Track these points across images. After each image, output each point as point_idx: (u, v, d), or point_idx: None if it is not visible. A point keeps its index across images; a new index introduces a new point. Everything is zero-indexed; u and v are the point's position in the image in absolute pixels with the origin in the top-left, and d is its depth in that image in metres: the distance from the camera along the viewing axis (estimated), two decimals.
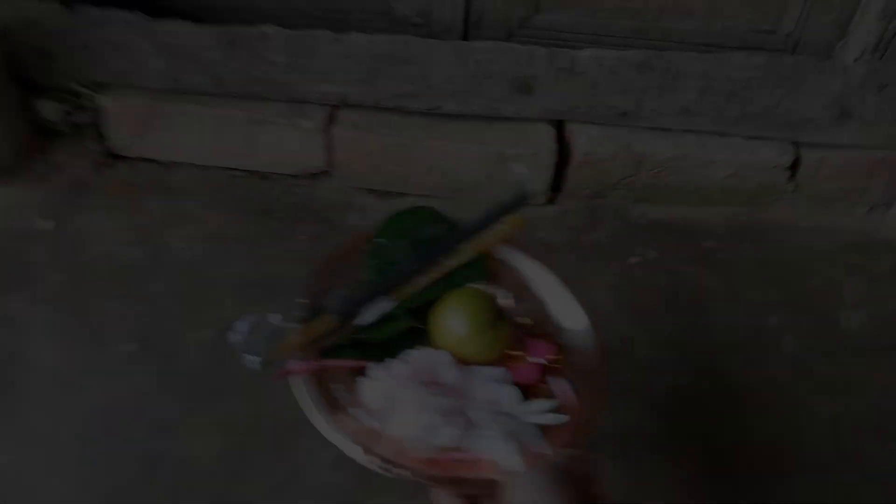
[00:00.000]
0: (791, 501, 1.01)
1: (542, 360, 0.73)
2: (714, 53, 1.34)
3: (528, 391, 0.71)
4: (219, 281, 1.21)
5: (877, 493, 1.02)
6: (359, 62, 1.34)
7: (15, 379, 1.06)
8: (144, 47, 1.33)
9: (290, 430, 1.02)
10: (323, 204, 1.40)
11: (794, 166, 1.41)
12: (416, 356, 0.71)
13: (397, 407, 0.67)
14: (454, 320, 0.72)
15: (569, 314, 0.79)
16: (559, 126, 1.43)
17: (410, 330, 0.75)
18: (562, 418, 0.68)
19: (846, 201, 1.46)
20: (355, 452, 0.65)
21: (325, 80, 1.36)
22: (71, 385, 1.05)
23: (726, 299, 1.27)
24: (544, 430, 0.67)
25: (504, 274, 0.82)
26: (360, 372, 0.71)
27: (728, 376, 1.15)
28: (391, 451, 0.65)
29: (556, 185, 1.44)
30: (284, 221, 1.34)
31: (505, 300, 0.79)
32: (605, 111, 1.37)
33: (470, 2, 1.39)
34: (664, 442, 1.06)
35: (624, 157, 1.38)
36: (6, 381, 1.05)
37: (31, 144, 1.39)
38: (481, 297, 0.74)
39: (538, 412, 0.68)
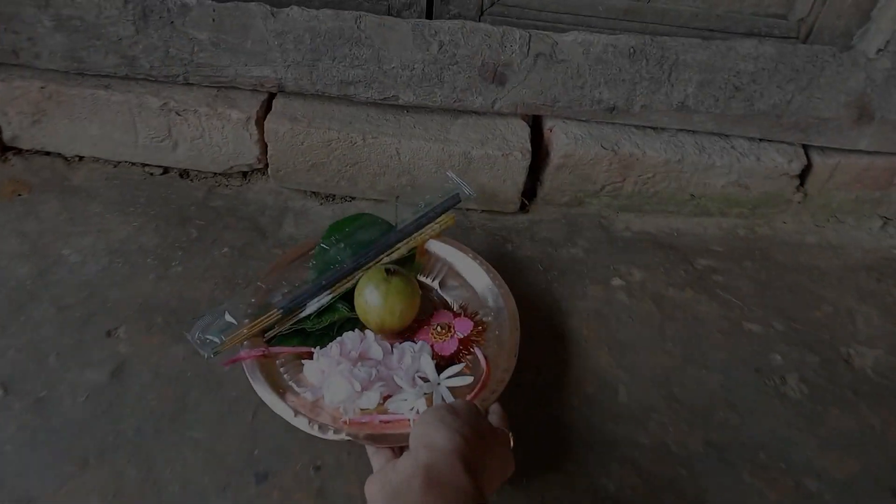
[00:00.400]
0: None
1: (461, 335, 0.92)
2: (717, 41, 1.13)
3: (453, 360, 0.91)
4: (119, 305, 1.00)
5: None
6: (299, 42, 1.11)
7: None
8: (40, 21, 1.10)
9: (187, 502, 0.81)
10: (254, 208, 1.18)
11: (803, 173, 1.21)
12: (346, 338, 0.90)
13: (329, 381, 0.84)
14: (367, 293, 0.91)
15: (490, 296, 1.00)
16: (535, 122, 1.22)
17: (351, 320, 0.95)
18: (467, 379, 0.86)
19: (858, 214, 1.27)
20: (300, 422, 0.81)
21: (259, 63, 1.13)
22: None
23: (723, 331, 1.08)
24: (456, 389, 0.86)
25: (434, 265, 1.05)
26: (309, 356, 0.90)
27: (725, 428, 0.96)
28: (328, 418, 0.82)
29: (531, 191, 1.23)
30: (206, 230, 1.12)
31: (432, 284, 1.03)
32: (589, 106, 1.16)
33: None
34: None
35: (610, 160, 1.17)
36: None
37: None
38: (383, 272, 0.93)
39: (449, 376, 0.86)
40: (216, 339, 0.89)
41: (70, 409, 0.88)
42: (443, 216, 1.04)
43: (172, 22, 1.10)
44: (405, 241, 1.02)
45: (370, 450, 0.77)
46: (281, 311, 0.93)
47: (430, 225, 1.03)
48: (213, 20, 1.10)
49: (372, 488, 0.64)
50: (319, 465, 0.86)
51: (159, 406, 0.90)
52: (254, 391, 0.90)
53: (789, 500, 0.89)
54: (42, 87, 1.14)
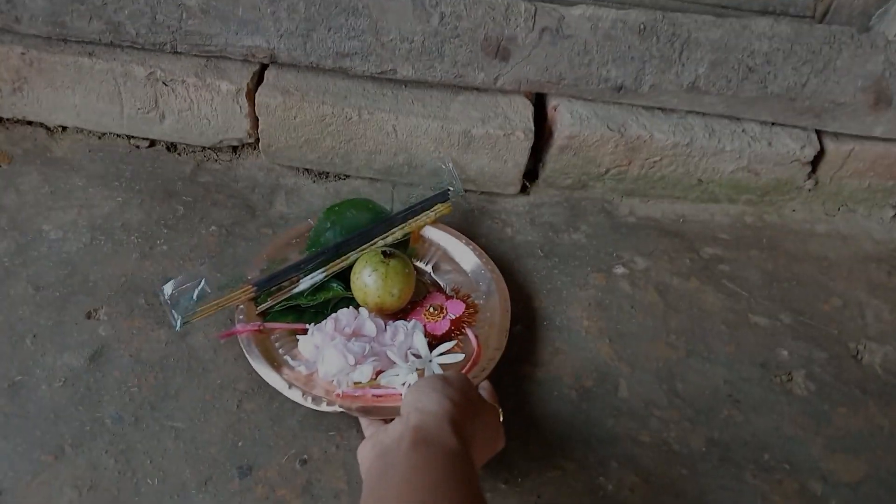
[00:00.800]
0: None
1: (452, 316, 0.94)
2: (731, 18, 1.07)
3: (445, 340, 0.91)
4: (98, 285, 0.94)
5: None
6: (293, 10, 1.05)
7: None
8: None
9: (160, 495, 0.77)
10: (244, 185, 1.12)
11: (815, 160, 1.15)
12: (341, 314, 0.90)
13: (324, 355, 0.84)
14: (364, 274, 0.92)
15: (482, 280, 0.99)
16: (539, 100, 1.16)
17: (345, 298, 0.95)
18: (457, 357, 0.86)
19: (870, 203, 1.21)
20: (294, 394, 0.82)
21: (251, 32, 1.06)
22: None
23: (729, 324, 1.03)
24: (447, 366, 0.85)
25: (428, 249, 1.04)
26: (304, 332, 0.89)
27: (729, 426, 0.91)
28: (322, 391, 0.83)
29: (533, 172, 1.17)
30: (193, 207, 1.07)
31: (426, 268, 1.03)
32: (596, 84, 1.10)
33: None
34: None
35: (616, 142, 1.11)
36: None
37: None
38: (380, 254, 0.93)
39: (440, 353, 0.87)
40: (185, 308, 0.88)
41: (46, 394, 0.83)
42: (438, 205, 1.05)
43: None
44: (399, 227, 1.02)
45: (364, 422, 0.78)
46: (255, 287, 0.92)
47: (425, 212, 1.04)
48: None
49: (363, 450, 0.66)
50: (306, 458, 0.82)
51: (140, 393, 0.85)
52: (241, 379, 0.87)
53: (797, 492, 0.86)
54: (22, 54, 1.07)
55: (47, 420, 0.81)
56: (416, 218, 1.03)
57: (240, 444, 0.82)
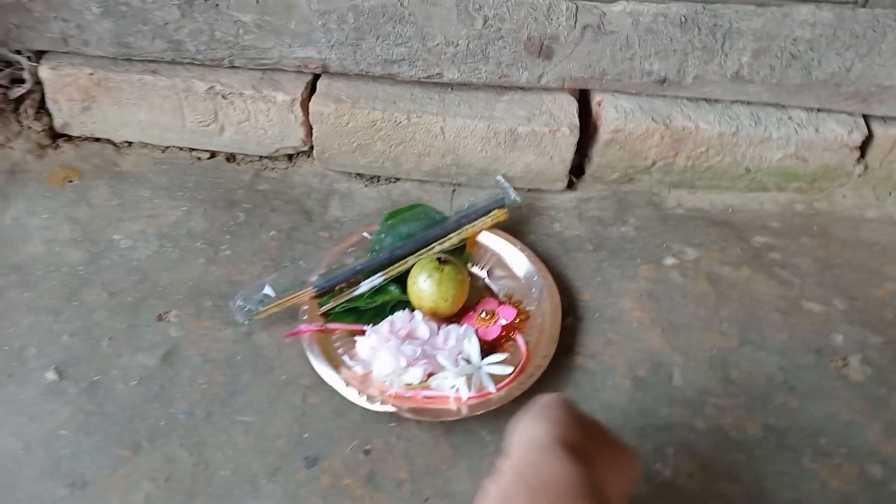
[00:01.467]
0: None
1: (504, 322, 0.95)
2: (772, 7, 1.06)
3: (496, 345, 0.94)
4: (168, 290, 0.98)
5: None
6: (343, 21, 1.07)
7: None
8: (88, 7, 1.07)
9: (232, 486, 0.79)
10: (300, 191, 1.15)
11: (864, 145, 1.13)
12: (396, 317, 0.92)
13: (378, 356, 0.87)
14: (420, 280, 0.94)
15: (535, 287, 0.99)
16: (583, 96, 1.16)
17: (402, 301, 0.97)
18: (507, 369, 0.87)
19: None
20: (350, 393, 0.85)
21: (303, 44, 1.09)
22: None
23: (782, 311, 1.01)
24: (495, 376, 0.87)
25: (483, 253, 1.05)
26: (362, 333, 0.92)
27: (785, 413, 0.90)
28: (376, 391, 0.86)
29: (579, 168, 1.17)
30: (253, 213, 1.10)
31: (480, 273, 1.04)
32: (640, 78, 1.10)
33: None
34: (705, 501, 0.82)
35: (661, 134, 1.10)
36: None
37: None
38: (436, 260, 0.95)
39: (491, 363, 0.88)
40: (252, 309, 0.93)
41: (122, 393, 0.87)
42: (495, 210, 1.07)
43: (217, 5, 1.06)
44: (456, 233, 1.03)
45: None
46: (315, 289, 0.95)
47: (482, 218, 1.06)
48: (257, 1, 1.06)
49: None
50: (369, 448, 0.83)
51: (210, 390, 0.88)
52: (304, 375, 0.89)
53: (853, 488, 0.84)
54: (91, 74, 1.12)
55: (124, 417, 0.84)
56: (472, 224, 1.05)
57: (305, 435, 0.84)
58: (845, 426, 0.89)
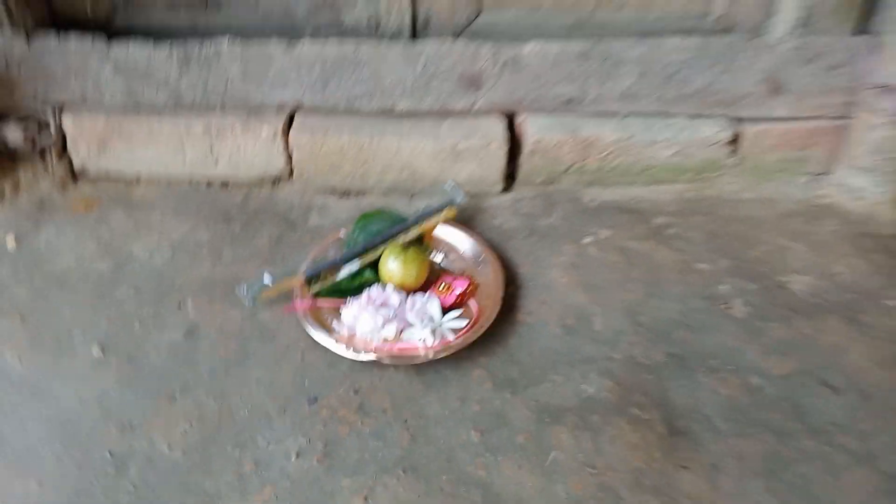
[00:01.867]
0: (748, 456, 0.99)
1: (459, 290, 1.17)
2: (650, 39, 1.34)
3: (452, 307, 1.15)
4: (184, 284, 1.19)
5: (828, 444, 1.01)
6: (312, 68, 1.32)
7: None
8: (103, 69, 1.31)
9: (251, 422, 0.99)
10: (284, 207, 1.38)
11: (734, 141, 1.40)
12: (373, 290, 1.16)
13: (360, 319, 1.11)
14: (389, 262, 1.18)
15: (481, 264, 1.24)
16: (510, 117, 1.42)
17: (375, 282, 1.19)
18: (463, 321, 1.12)
19: (787, 171, 1.45)
20: (340, 349, 1.07)
21: (281, 88, 1.34)
22: (37, 392, 1.02)
23: (678, 271, 1.26)
24: (454, 329, 1.11)
25: (439, 243, 1.29)
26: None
27: (683, 343, 1.13)
28: (361, 345, 1.08)
29: (511, 175, 1.42)
30: (247, 226, 1.32)
31: (438, 258, 1.27)
32: (551, 100, 1.37)
33: (416, 6, 1.39)
34: (622, 409, 1.04)
35: (572, 143, 1.37)
36: None
37: None
38: (401, 246, 1.20)
39: (450, 318, 1.13)
40: (255, 289, 1.16)
41: (156, 360, 1.07)
42: (446, 209, 1.30)
43: (209, 63, 1.31)
44: (416, 227, 1.27)
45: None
46: (306, 275, 1.18)
47: (436, 215, 1.30)
48: (241, 58, 1.31)
49: None
50: (358, 388, 1.04)
51: (226, 354, 1.08)
52: (301, 340, 1.10)
53: (737, 394, 1.06)
54: (105, 122, 1.34)
55: (160, 378, 1.04)
56: (428, 220, 1.28)
57: (306, 382, 1.05)
58: (731, 350, 1.13)
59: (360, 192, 1.41)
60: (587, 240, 1.31)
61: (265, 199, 1.39)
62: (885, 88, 1.30)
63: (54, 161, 1.37)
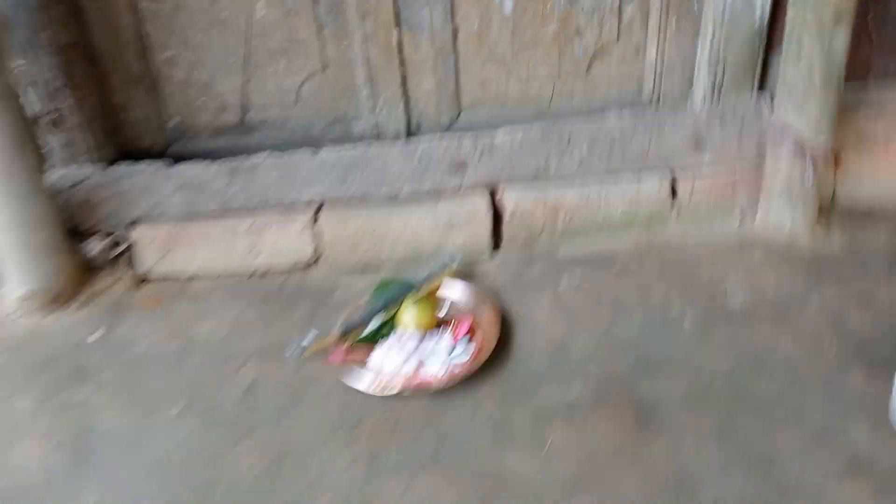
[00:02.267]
0: (704, 428, 1.23)
1: (465, 327, 1.46)
2: (595, 116, 1.66)
3: (462, 338, 1.44)
4: (241, 352, 1.46)
5: (766, 415, 1.25)
6: (331, 170, 1.65)
7: (92, 445, 1.28)
8: (166, 187, 1.63)
9: (309, 449, 1.24)
10: (314, 288, 1.66)
11: (673, 194, 1.70)
12: (393, 336, 1.45)
13: (388, 356, 1.40)
14: (406, 311, 1.48)
15: (478, 310, 1.51)
16: (492, 192, 1.72)
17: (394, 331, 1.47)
18: (467, 356, 1.40)
19: (719, 214, 1.72)
20: (370, 388, 1.33)
21: (308, 187, 1.65)
22: (134, 442, 1.28)
23: (637, 302, 1.53)
24: (459, 363, 1.38)
25: (444, 296, 1.57)
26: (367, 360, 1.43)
27: (646, 353, 1.39)
28: (387, 383, 1.33)
29: (497, 240, 1.71)
30: (285, 305, 1.60)
31: (442, 308, 1.55)
32: (521, 174, 1.67)
33: (410, 114, 1.73)
34: (600, 407, 1.29)
35: (543, 207, 1.66)
36: (86, 447, 1.28)
37: (79, 277, 1.65)
38: (413, 301, 1.49)
39: (458, 353, 1.41)
40: (300, 349, 1.43)
41: (227, 408, 1.33)
42: (446, 270, 1.59)
43: (250, 173, 1.63)
44: (424, 286, 1.54)
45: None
46: (340, 331, 1.46)
47: (438, 276, 1.58)
48: (275, 167, 1.63)
49: None
50: (388, 414, 1.30)
51: (282, 401, 1.34)
52: (340, 383, 1.35)
53: (692, 388, 1.31)
54: (168, 232, 1.64)
55: (230, 421, 1.30)
56: (432, 281, 1.56)
57: (346, 413, 1.30)
58: (684, 355, 1.39)
59: (376, 268, 1.68)
60: (562, 286, 1.59)
61: (297, 283, 1.67)
62: (782, 133, 1.60)
63: (126, 268, 1.66)
